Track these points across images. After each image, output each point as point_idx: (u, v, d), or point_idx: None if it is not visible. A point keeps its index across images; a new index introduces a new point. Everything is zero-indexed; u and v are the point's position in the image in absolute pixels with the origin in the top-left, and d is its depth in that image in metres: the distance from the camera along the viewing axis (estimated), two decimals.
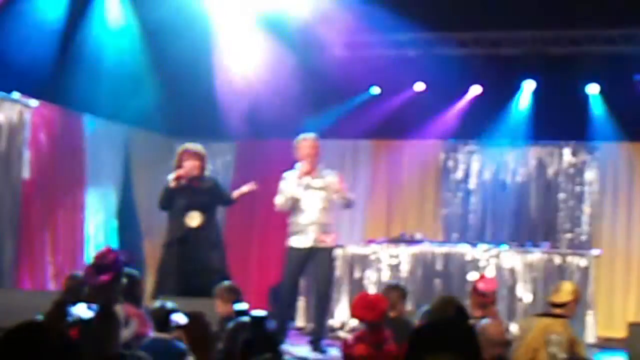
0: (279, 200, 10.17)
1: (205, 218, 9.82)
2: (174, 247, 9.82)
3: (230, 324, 6.27)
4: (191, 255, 9.75)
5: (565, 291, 7.66)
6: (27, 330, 3.49)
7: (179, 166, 10.04)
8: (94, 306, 4.24)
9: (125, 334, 6.99)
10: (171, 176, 9.99)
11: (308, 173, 10.06)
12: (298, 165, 10.20)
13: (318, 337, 9.99)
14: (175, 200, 9.92)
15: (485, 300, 8.08)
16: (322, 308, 10.15)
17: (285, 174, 10.27)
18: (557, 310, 7.57)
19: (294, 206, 10.10)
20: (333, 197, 10.22)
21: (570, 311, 7.68)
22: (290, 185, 10.08)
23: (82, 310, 4.19)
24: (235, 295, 8.10)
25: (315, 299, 10.29)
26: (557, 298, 7.64)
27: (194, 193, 9.86)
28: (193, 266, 9.73)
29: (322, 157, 14.30)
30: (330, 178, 10.26)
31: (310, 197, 10.06)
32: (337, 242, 10.71)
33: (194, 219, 9.78)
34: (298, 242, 10.03)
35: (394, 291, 8.21)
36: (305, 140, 10.22)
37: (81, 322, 4.19)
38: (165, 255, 9.95)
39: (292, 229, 10.14)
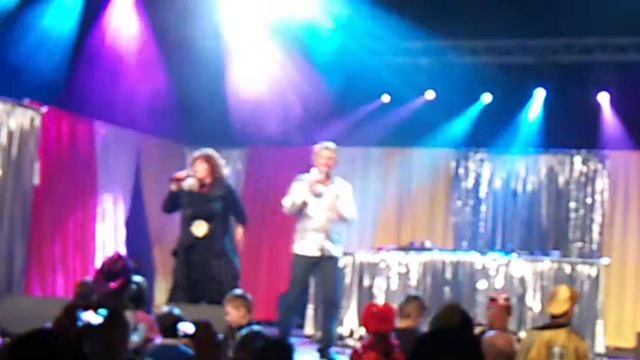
0: (287, 203, 10.00)
1: (212, 227, 9.74)
2: (181, 255, 9.79)
3: (242, 332, 6.27)
4: (195, 264, 9.72)
5: (562, 300, 7.58)
6: (37, 338, 3.50)
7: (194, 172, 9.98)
8: (103, 311, 4.25)
9: (134, 339, 7.01)
10: (174, 176, 9.95)
11: (321, 182, 9.92)
12: (313, 170, 10.04)
13: (326, 345, 9.96)
14: (183, 208, 9.87)
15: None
16: (330, 316, 10.08)
17: (298, 177, 10.12)
18: (558, 320, 7.52)
19: (302, 212, 9.98)
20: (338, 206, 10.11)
21: (570, 317, 7.64)
22: (300, 190, 9.95)
23: (91, 316, 4.19)
24: (245, 303, 8.07)
25: (324, 307, 10.24)
26: (556, 309, 7.56)
27: (202, 201, 9.76)
28: (197, 275, 9.71)
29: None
30: (341, 187, 10.11)
31: (319, 205, 9.90)
32: (343, 251, 10.62)
33: (199, 228, 9.70)
34: (304, 249, 9.90)
35: (413, 302, 8.19)
36: (327, 150, 9.99)
37: (90, 327, 4.20)
38: (175, 263, 9.94)
39: (299, 235, 10.00)
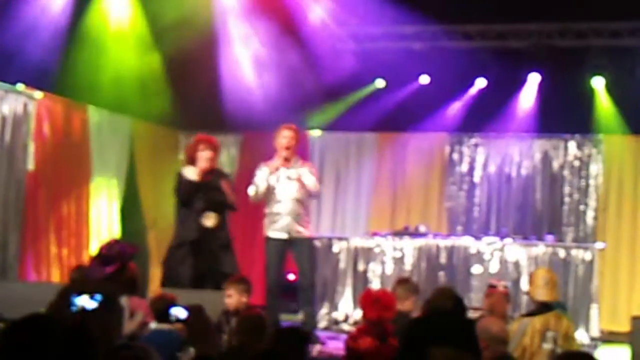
0: (251, 192, 10.09)
1: (221, 218, 9.75)
2: (185, 247, 9.68)
3: (245, 317, 6.28)
4: (203, 256, 9.65)
5: (553, 284, 7.60)
6: (31, 323, 3.50)
7: (192, 156, 9.88)
8: (97, 296, 4.24)
9: (131, 325, 7.01)
10: (190, 170, 9.81)
11: (283, 165, 9.94)
12: (279, 156, 10.04)
13: (310, 327, 9.99)
14: (191, 199, 9.76)
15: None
16: (308, 298, 10.14)
17: (261, 164, 10.15)
18: (545, 303, 7.52)
19: (269, 197, 10.03)
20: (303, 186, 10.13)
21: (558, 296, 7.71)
22: (263, 176, 9.99)
23: (85, 301, 4.19)
24: (248, 288, 8.06)
25: (301, 290, 10.27)
26: (551, 296, 7.58)
27: (208, 191, 9.71)
28: (204, 267, 9.63)
29: (326, 150, 14.38)
30: (303, 169, 10.16)
31: (284, 188, 9.98)
32: (312, 231, 10.67)
33: (210, 219, 9.67)
34: (274, 232, 10.00)
35: (401, 286, 8.24)
36: (288, 130, 10.04)
37: (84, 312, 4.19)
38: (175, 255, 9.79)
39: (268, 219, 10.08)
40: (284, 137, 10.02)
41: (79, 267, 8.49)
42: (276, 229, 9.98)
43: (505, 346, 6.90)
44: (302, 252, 10.05)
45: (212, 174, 9.84)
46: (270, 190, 9.98)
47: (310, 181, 10.05)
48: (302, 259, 10.07)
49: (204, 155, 9.77)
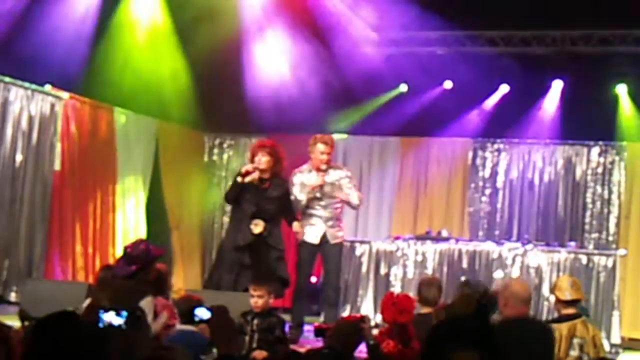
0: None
1: (270, 226, 9.77)
2: (245, 251, 9.72)
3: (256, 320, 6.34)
4: (257, 264, 9.70)
5: (577, 285, 7.61)
6: (58, 320, 3.55)
7: (251, 159, 9.90)
8: (124, 313, 4.31)
9: (155, 326, 7.08)
10: (243, 170, 9.89)
11: (322, 186, 10.07)
12: (314, 162, 10.13)
13: None
14: (244, 205, 9.80)
15: None
16: (332, 301, 10.21)
17: (295, 171, 10.21)
18: (572, 310, 7.53)
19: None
20: (340, 195, 10.22)
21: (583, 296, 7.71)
22: (299, 192, 10.09)
23: (112, 317, 4.26)
24: (274, 290, 8.10)
25: (327, 291, 10.32)
26: (576, 295, 7.57)
27: (262, 200, 9.74)
28: (260, 272, 9.60)
29: (349, 153, 14.43)
30: (340, 174, 10.30)
31: (322, 196, 10.12)
32: (344, 237, 10.77)
33: (258, 226, 9.69)
34: (308, 237, 10.10)
35: (432, 287, 8.30)
36: (323, 145, 10.14)
37: (111, 327, 4.27)
38: (228, 258, 9.79)
39: (303, 223, 10.15)
40: (322, 152, 10.10)
41: (105, 267, 8.56)
42: (310, 234, 10.09)
43: (528, 306, 6.87)
44: (331, 255, 10.15)
45: (271, 181, 9.84)
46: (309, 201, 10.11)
47: (356, 199, 10.29)
48: (330, 261, 10.17)
49: (257, 160, 9.79)
